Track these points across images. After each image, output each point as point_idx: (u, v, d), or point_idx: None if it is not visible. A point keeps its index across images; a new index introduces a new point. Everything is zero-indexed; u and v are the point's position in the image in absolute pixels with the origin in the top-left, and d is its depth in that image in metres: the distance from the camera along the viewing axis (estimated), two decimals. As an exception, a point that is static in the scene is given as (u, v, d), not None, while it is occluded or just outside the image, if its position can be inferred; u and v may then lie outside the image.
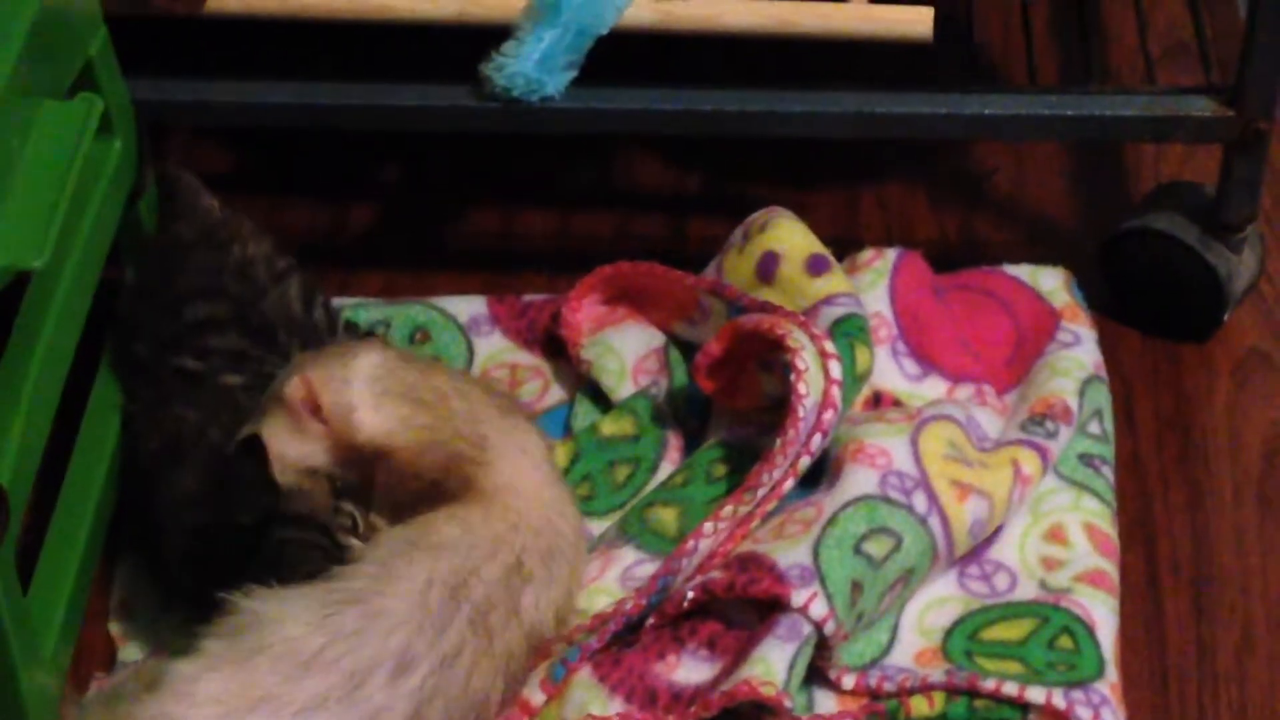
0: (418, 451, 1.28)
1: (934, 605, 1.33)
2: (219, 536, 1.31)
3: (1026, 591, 1.33)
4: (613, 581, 1.32)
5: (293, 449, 1.29)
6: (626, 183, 1.66)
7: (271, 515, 1.29)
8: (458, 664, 1.21)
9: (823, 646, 1.27)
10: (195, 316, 1.39)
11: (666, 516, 1.35)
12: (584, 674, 1.27)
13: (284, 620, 1.21)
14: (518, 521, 1.26)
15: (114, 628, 1.36)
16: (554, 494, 1.30)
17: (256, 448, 1.29)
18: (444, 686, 1.21)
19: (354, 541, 1.28)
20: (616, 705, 1.26)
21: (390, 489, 1.29)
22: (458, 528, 1.25)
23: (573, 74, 1.44)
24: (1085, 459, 1.39)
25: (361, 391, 1.29)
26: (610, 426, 1.43)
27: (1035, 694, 1.26)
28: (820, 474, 1.34)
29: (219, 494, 1.32)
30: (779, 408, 1.35)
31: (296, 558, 1.28)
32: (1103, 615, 1.31)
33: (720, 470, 1.37)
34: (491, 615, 1.23)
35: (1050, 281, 1.49)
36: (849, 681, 1.28)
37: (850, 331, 1.37)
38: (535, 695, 1.26)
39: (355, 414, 1.29)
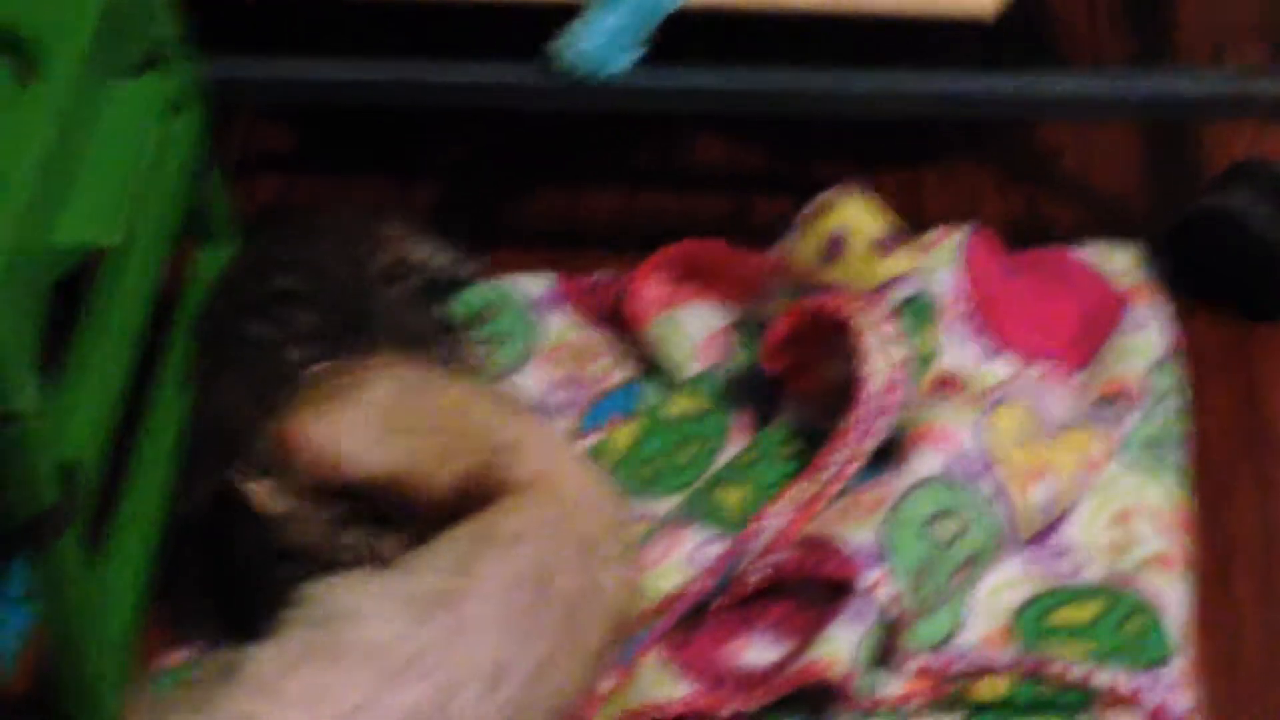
0: (431, 474, 1.27)
1: (1003, 587, 1.32)
2: (222, 569, 1.32)
3: (1095, 574, 1.33)
4: (680, 561, 1.32)
5: (281, 487, 1.29)
6: (692, 162, 1.66)
7: (267, 552, 1.29)
8: (550, 670, 1.19)
9: (889, 629, 1.27)
10: (283, 286, 1.41)
11: (733, 496, 1.35)
12: (653, 655, 1.27)
13: (369, 618, 1.18)
14: (569, 503, 1.25)
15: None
16: (592, 475, 1.29)
17: (240, 489, 1.29)
18: (537, 696, 1.18)
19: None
20: (685, 687, 1.26)
21: (413, 512, 1.27)
22: (517, 519, 1.23)
23: (639, 53, 1.44)
24: (1154, 442, 1.38)
25: (355, 435, 1.27)
26: (676, 406, 1.42)
27: (1103, 677, 1.25)
28: (888, 455, 1.34)
29: (217, 529, 1.32)
30: (845, 389, 1.34)
31: (281, 591, 1.27)
32: (1172, 599, 1.30)
33: (787, 451, 1.37)
34: (580, 610, 1.21)
35: (1121, 261, 1.48)
36: (916, 664, 1.27)
37: (916, 312, 1.37)
38: (605, 680, 1.26)
39: (349, 457, 1.28)
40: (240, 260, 1.46)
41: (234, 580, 1.32)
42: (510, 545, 1.22)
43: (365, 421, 1.28)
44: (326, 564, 1.27)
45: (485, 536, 1.23)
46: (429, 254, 1.49)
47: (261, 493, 1.30)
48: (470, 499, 1.25)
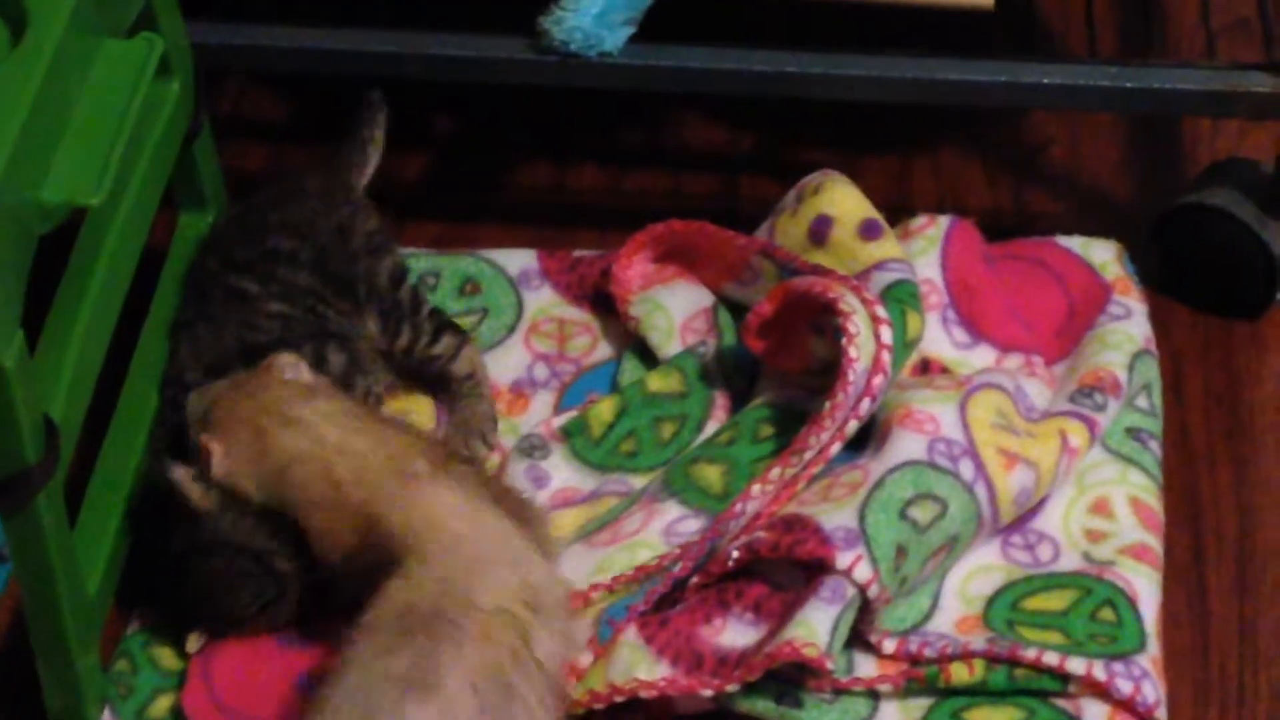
0: (322, 526, 1.25)
1: (977, 573, 1.33)
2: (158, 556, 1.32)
3: (1070, 563, 1.33)
4: (655, 535, 1.32)
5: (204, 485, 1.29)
6: (679, 142, 1.66)
7: (198, 543, 1.29)
8: None
9: (865, 610, 1.27)
10: (276, 246, 1.41)
11: (711, 474, 1.35)
12: (630, 635, 1.27)
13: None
14: (458, 568, 1.20)
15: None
16: (492, 530, 1.24)
17: (169, 475, 1.29)
18: None
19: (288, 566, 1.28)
20: (663, 668, 1.26)
21: (322, 544, 1.26)
22: (428, 596, 1.18)
23: (631, 30, 1.44)
24: (1133, 433, 1.39)
25: (255, 473, 1.27)
26: (657, 383, 1.42)
27: (1076, 665, 1.25)
28: (867, 438, 1.34)
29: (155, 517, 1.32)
30: (827, 371, 1.34)
31: (227, 586, 1.29)
32: (1145, 589, 1.31)
33: (767, 431, 1.37)
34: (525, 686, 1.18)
35: (1103, 254, 1.48)
36: (890, 646, 1.28)
37: (902, 297, 1.37)
38: (583, 656, 1.26)
39: (249, 490, 1.28)
40: (232, 219, 1.46)
41: (169, 563, 1.32)
42: (449, 639, 1.17)
43: (261, 461, 1.27)
44: (255, 557, 1.28)
45: (409, 626, 1.17)
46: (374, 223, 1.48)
47: (187, 481, 1.29)
48: (369, 550, 1.24)
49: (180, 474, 1.29)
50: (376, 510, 1.23)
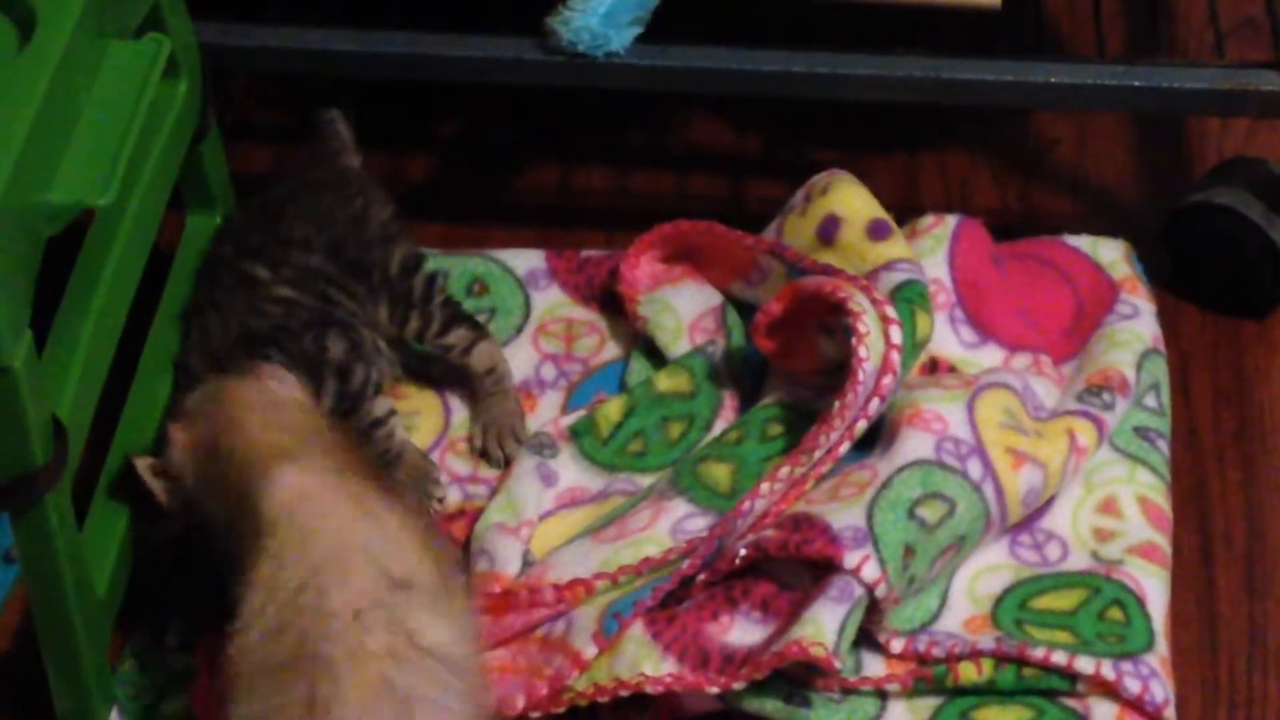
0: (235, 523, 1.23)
1: (985, 573, 1.33)
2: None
3: (1078, 562, 1.33)
4: (663, 532, 1.32)
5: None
6: (686, 142, 1.66)
7: (153, 541, 1.31)
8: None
9: (873, 609, 1.27)
10: (290, 234, 1.42)
11: (719, 472, 1.35)
12: (637, 630, 1.27)
13: None
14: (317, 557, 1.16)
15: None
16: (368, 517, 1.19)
17: (133, 471, 1.30)
18: None
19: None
20: (669, 665, 1.25)
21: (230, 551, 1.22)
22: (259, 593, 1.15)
23: (638, 30, 1.44)
24: (1141, 432, 1.39)
25: (192, 463, 1.27)
26: (665, 383, 1.42)
27: (1084, 664, 1.25)
28: (876, 438, 1.34)
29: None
30: (836, 371, 1.34)
31: (163, 581, 1.31)
32: (1154, 588, 1.31)
33: (775, 430, 1.37)
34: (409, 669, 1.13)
35: (1110, 253, 1.48)
36: (898, 645, 1.28)
37: (911, 297, 1.37)
38: (588, 648, 1.26)
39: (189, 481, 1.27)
40: (248, 208, 1.47)
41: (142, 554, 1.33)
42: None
43: (206, 456, 1.26)
44: (198, 563, 1.29)
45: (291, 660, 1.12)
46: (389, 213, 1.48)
47: (145, 473, 1.30)
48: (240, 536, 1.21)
49: (141, 465, 1.29)
50: (255, 492, 1.20)
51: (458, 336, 1.43)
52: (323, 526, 1.16)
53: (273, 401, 1.27)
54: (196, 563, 1.30)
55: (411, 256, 1.44)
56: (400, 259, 1.43)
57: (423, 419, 1.44)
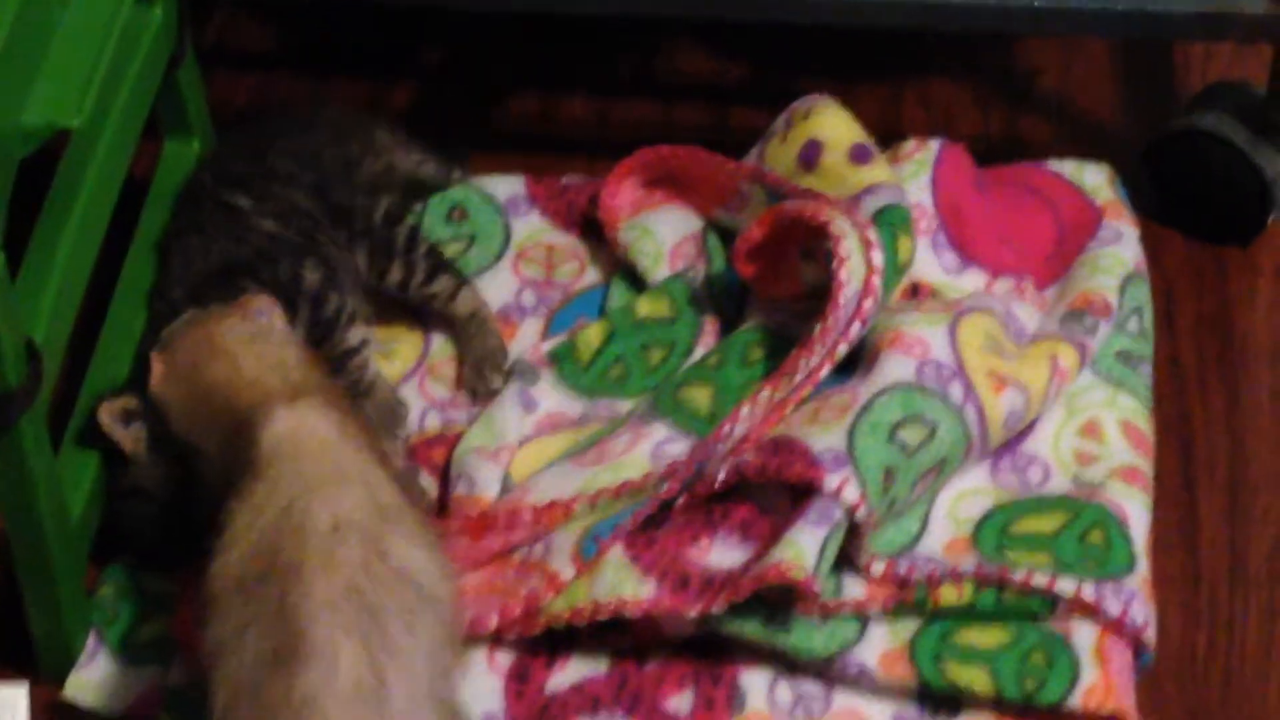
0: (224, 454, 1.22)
1: (966, 496, 1.32)
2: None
3: (1059, 485, 1.32)
4: (643, 456, 1.31)
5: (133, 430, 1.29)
6: (669, 71, 1.65)
7: (117, 488, 1.30)
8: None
9: (853, 533, 1.26)
10: (274, 168, 1.41)
11: (700, 396, 1.35)
12: (615, 552, 1.27)
13: None
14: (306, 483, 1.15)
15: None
16: (354, 453, 1.18)
17: (97, 419, 1.29)
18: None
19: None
20: (648, 588, 1.25)
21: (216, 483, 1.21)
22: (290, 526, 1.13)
23: (619, -46, 1.43)
24: (1123, 356, 1.38)
25: (173, 390, 1.25)
26: (646, 308, 1.42)
27: (1065, 586, 1.25)
28: (857, 361, 1.34)
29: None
30: (817, 296, 1.34)
31: (129, 528, 1.30)
32: (1135, 511, 1.30)
33: (756, 354, 1.36)
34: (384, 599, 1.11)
35: (1094, 178, 1.48)
36: (878, 569, 1.27)
37: (893, 221, 1.36)
38: (565, 569, 1.26)
39: (167, 407, 1.26)
40: (233, 138, 1.46)
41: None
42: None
43: (189, 386, 1.25)
44: (163, 504, 1.28)
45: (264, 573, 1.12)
46: (417, 163, 1.49)
47: (110, 421, 1.29)
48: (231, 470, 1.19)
49: (104, 413, 1.28)
50: (249, 431, 1.19)
51: (440, 285, 1.42)
52: (316, 460, 1.16)
53: (260, 334, 1.27)
54: (170, 507, 1.30)
55: (396, 207, 1.44)
56: (385, 208, 1.43)
57: (401, 345, 1.43)
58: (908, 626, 1.26)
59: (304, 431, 1.17)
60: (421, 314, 1.45)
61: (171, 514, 1.30)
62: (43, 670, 1.29)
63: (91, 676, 1.28)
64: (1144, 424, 1.36)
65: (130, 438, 1.29)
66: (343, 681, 1.07)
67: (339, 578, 1.10)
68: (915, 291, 1.40)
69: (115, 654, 1.29)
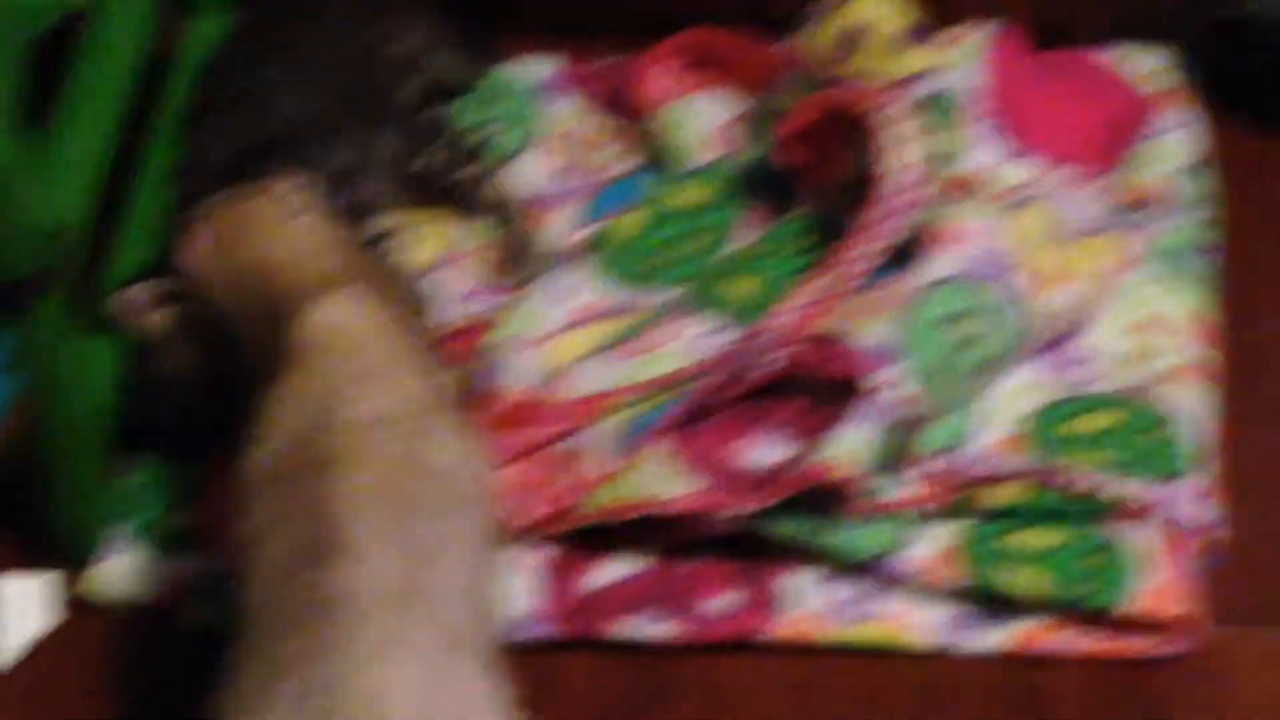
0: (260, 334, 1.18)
1: (1019, 393, 1.28)
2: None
3: (1114, 383, 1.29)
4: (683, 348, 1.28)
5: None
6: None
7: (151, 370, 1.27)
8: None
9: (902, 430, 1.23)
10: (299, 47, 1.37)
11: (741, 288, 1.31)
12: (654, 448, 1.23)
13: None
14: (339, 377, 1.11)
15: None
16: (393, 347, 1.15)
17: (123, 302, 1.26)
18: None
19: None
20: (687, 485, 1.22)
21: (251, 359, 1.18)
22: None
23: None
24: (1180, 250, 1.34)
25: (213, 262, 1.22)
26: (683, 196, 1.38)
27: (1117, 487, 1.21)
28: (905, 255, 1.29)
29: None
30: (862, 184, 1.29)
31: (156, 416, 1.27)
32: (1198, 407, 1.27)
33: (799, 245, 1.32)
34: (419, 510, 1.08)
35: (1152, 64, 1.43)
36: (927, 468, 1.23)
37: (940, 109, 1.32)
38: (604, 464, 1.23)
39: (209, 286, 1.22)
40: (260, 14, 1.42)
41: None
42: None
43: (226, 260, 1.22)
44: (178, 395, 1.25)
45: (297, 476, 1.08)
46: (442, 60, 1.45)
47: (134, 298, 1.25)
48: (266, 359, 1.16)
49: (131, 296, 1.25)
50: (288, 318, 1.15)
51: (468, 172, 1.39)
52: (353, 352, 1.12)
53: (297, 217, 1.23)
54: (199, 394, 1.27)
55: (422, 91, 1.40)
56: (410, 92, 1.39)
57: (428, 233, 1.39)
58: (957, 528, 1.23)
59: (342, 321, 1.14)
60: (449, 201, 1.41)
61: (200, 402, 1.27)
62: (67, 563, 1.26)
63: (116, 567, 1.26)
64: (1205, 317, 1.32)
65: (158, 322, 1.26)
66: (374, 579, 1.04)
67: (374, 475, 1.07)
68: (966, 182, 1.36)
69: (142, 544, 1.26)
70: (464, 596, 1.07)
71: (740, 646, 1.22)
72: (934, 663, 1.21)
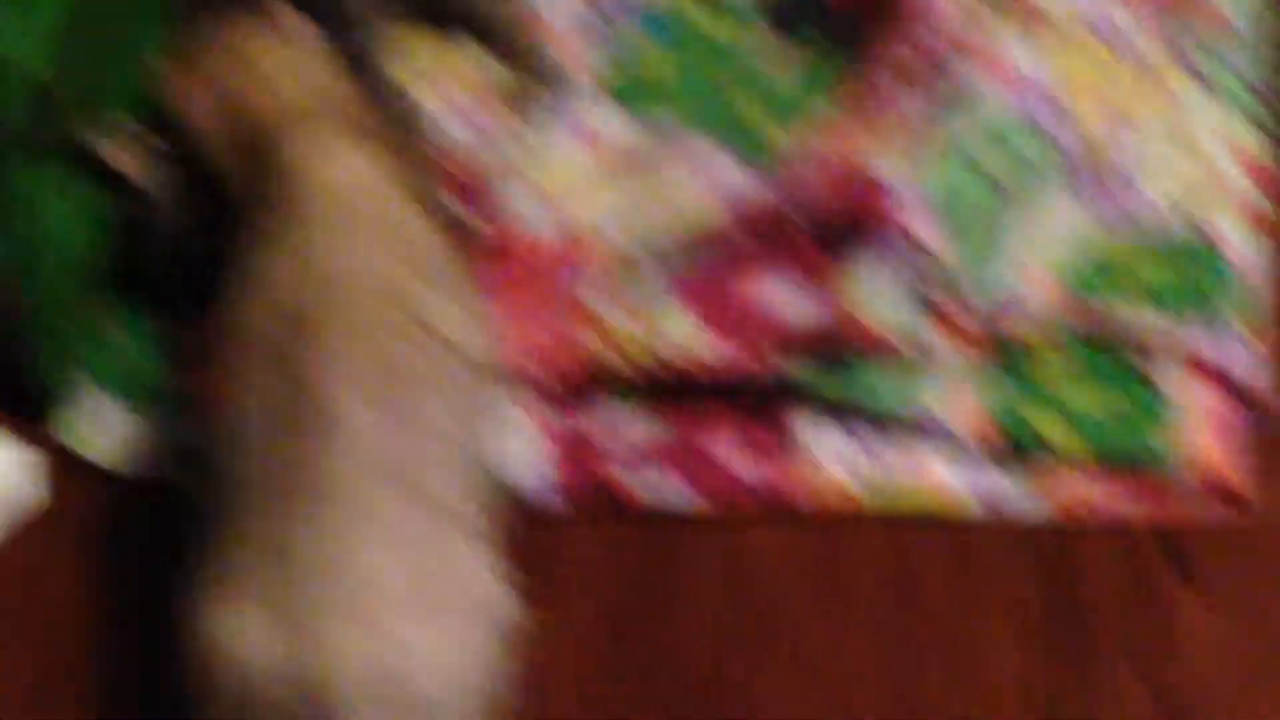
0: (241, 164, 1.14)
1: (1059, 236, 1.22)
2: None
3: (1167, 222, 1.22)
4: (701, 189, 1.23)
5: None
6: None
7: (134, 219, 1.22)
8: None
9: (929, 273, 1.17)
10: None
11: (764, 118, 1.25)
12: (671, 297, 1.19)
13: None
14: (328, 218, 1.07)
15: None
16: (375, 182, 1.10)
17: (106, 148, 1.20)
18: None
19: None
20: (707, 336, 1.17)
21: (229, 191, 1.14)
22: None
23: None
24: (1241, 81, 1.26)
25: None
26: (709, 25, 1.31)
27: (1169, 335, 1.16)
28: (936, 82, 1.23)
29: None
30: (891, 10, 1.24)
31: (139, 267, 1.23)
32: (1251, 253, 1.20)
33: (825, 74, 1.26)
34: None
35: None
36: (961, 315, 1.18)
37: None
38: (617, 315, 1.18)
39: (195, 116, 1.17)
40: None
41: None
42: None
43: (209, 89, 1.17)
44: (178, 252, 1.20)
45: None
46: None
47: (117, 142, 1.20)
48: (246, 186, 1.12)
49: (114, 140, 1.20)
50: (277, 155, 1.10)
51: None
52: (351, 206, 1.07)
53: (299, 56, 1.18)
54: (185, 245, 1.22)
55: None
56: None
57: (419, 47, 1.32)
58: (989, 376, 1.17)
59: (340, 172, 1.08)
60: (455, 22, 1.34)
61: (189, 251, 1.22)
62: (48, 425, 1.22)
63: (96, 428, 1.21)
64: (1262, 155, 1.24)
65: (142, 168, 1.21)
66: (361, 454, 0.99)
67: (367, 341, 1.01)
68: (1008, 5, 1.28)
69: (122, 405, 1.22)
70: (457, 470, 1.02)
71: (762, 517, 1.17)
72: (965, 532, 1.16)
